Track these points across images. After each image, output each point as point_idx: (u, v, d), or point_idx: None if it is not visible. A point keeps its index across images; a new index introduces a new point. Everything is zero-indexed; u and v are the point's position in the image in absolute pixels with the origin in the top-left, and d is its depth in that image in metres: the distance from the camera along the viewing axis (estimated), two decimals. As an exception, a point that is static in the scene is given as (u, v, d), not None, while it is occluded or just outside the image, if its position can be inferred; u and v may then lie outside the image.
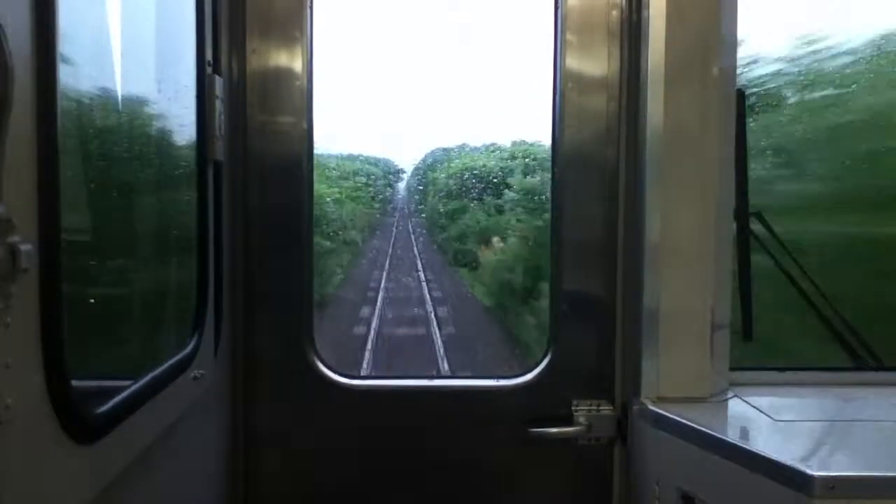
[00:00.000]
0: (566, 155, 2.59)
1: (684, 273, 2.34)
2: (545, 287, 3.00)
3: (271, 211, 2.57)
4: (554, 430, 2.57)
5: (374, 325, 6.06)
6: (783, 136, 3.82)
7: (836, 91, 3.75)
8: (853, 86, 3.75)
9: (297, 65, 2.54)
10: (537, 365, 2.64)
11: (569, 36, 2.56)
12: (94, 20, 1.60)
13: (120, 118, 1.79)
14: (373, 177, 6.54)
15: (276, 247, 2.57)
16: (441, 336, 6.05)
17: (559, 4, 2.56)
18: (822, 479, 1.74)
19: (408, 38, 4.74)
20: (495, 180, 6.12)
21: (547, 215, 2.75)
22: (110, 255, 1.76)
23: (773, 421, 2.20)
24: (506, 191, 6.07)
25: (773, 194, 3.45)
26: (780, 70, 3.87)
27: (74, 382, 1.29)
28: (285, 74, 2.55)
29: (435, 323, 6.22)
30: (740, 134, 2.46)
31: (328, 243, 5.42)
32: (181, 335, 2.05)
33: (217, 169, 2.21)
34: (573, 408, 2.59)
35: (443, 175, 6.47)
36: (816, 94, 3.84)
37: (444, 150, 6.38)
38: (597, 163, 2.58)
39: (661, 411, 2.27)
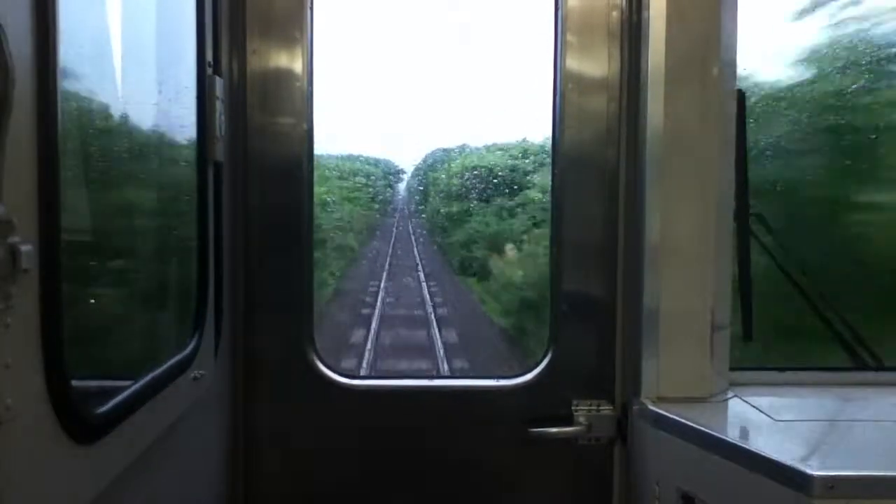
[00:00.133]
0: (566, 155, 2.59)
1: (684, 273, 2.35)
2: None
3: (271, 211, 2.57)
4: (554, 430, 2.57)
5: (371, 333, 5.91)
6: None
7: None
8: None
9: (298, 65, 2.54)
10: (537, 365, 2.64)
11: (569, 36, 2.56)
12: (94, 21, 1.60)
13: (120, 118, 1.80)
14: (372, 177, 6.50)
15: (276, 247, 2.58)
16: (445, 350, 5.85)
17: (559, 5, 2.57)
18: (821, 479, 1.75)
19: (408, 39, 4.75)
20: (507, 180, 5.85)
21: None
22: (110, 255, 1.76)
23: (773, 421, 2.20)
24: (523, 192, 5.75)
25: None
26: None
27: (74, 382, 1.29)
28: (285, 75, 2.55)
29: (436, 327, 6.13)
30: (740, 134, 2.46)
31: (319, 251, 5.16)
32: (181, 335, 2.05)
33: (217, 170, 2.21)
34: (573, 408, 2.59)
35: (443, 175, 6.38)
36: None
37: (445, 150, 6.35)
38: (597, 163, 2.58)
39: (661, 411, 2.28)
